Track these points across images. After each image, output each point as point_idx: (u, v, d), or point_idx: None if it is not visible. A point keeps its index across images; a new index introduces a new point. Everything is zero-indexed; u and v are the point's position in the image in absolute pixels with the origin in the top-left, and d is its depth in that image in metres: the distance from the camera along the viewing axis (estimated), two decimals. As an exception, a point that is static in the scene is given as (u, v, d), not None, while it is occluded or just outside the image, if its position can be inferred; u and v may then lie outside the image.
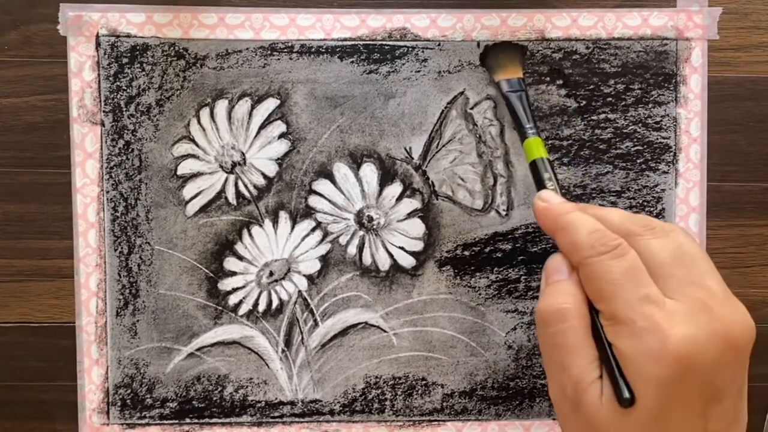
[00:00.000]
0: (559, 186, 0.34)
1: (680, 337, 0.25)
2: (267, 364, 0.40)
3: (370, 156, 0.40)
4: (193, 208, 0.39)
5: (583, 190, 0.40)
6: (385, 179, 0.40)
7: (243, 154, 0.39)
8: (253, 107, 0.39)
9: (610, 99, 0.40)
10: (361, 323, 0.40)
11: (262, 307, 0.40)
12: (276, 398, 0.40)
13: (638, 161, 0.40)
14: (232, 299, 0.40)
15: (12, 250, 0.40)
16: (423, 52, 0.39)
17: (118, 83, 0.39)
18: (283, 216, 0.40)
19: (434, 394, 0.40)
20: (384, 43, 0.39)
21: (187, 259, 0.39)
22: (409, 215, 0.40)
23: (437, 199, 0.40)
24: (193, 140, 0.39)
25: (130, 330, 0.39)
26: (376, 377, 0.40)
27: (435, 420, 0.40)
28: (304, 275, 0.40)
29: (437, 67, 0.39)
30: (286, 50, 0.39)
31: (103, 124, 0.39)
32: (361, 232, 0.40)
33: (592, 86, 0.40)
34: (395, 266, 0.40)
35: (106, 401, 0.40)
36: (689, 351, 0.25)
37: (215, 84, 0.39)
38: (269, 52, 0.39)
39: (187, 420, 0.40)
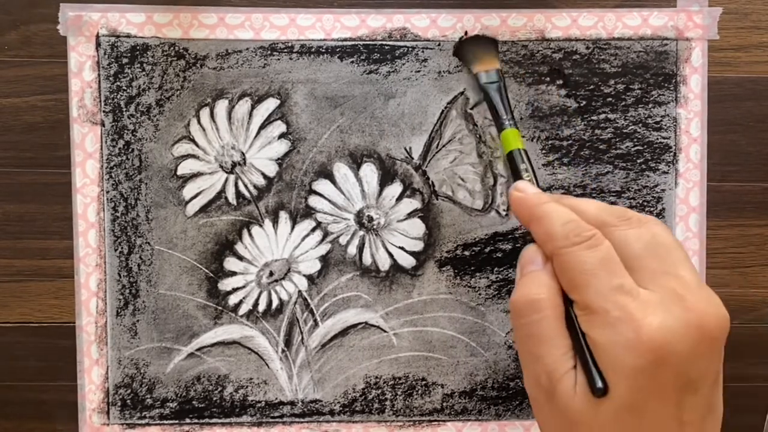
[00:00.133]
0: (536, 177, 0.34)
1: (654, 327, 0.25)
2: (267, 364, 0.40)
3: (370, 156, 0.40)
4: (193, 208, 0.39)
5: (583, 190, 0.40)
6: (385, 179, 0.40)
7: (243, 154, 0.39)
8: (253, 107, 0.39)
9: (610, 99, 0.40)
10: (361, 323, 0.40)
11: (262, 307, 0.40)
12: (276, 398, 0.40)
13: (638, 161, 0.40)
14: (232, 299, 0.40)
15: (12, 250, 0.40)
16: (423, 52, 0.39)
17: (118, 83, 0.39)
18: (283, 216, 0.40)
19: (434, 394, 0.40)
20: (384, 43, 0.39)
21: (187, 259, 0.39)
22: (409, 215, 0.40)
23: (437, 199, 0.40)
24: (193, 140, 0.39)
25: (130, 330, 0.39)
26: (376, 377, 0.40)
27: (435, 420, 0.40)
28: (304, 275, 0.40)
29: (437, 67, 0.39)
30: (286, 50, 0.39)
31: (103, 124, 0.39)
32: (361, 232, 0.40)
33: (592, 86, 0.40)
34: (395, 266, 0.40)
35: (106, 401, 0.40)
36: (663, 341, 0.25)
37: (215, 84, 0.39)
38: (269, 52, 0.39)
39: (187, 420, 0.40)
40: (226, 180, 0.40)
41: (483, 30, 0.39)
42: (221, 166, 0.40)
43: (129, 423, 0.40)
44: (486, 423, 0.40)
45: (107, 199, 0.39)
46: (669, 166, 0.40)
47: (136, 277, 0.39)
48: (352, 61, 0.39)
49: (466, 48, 0.38)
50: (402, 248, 0.40)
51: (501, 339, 0.40)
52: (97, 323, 0.39)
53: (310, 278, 0.40)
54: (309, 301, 0.40)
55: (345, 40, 0.39)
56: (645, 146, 0.40)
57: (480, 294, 0.40)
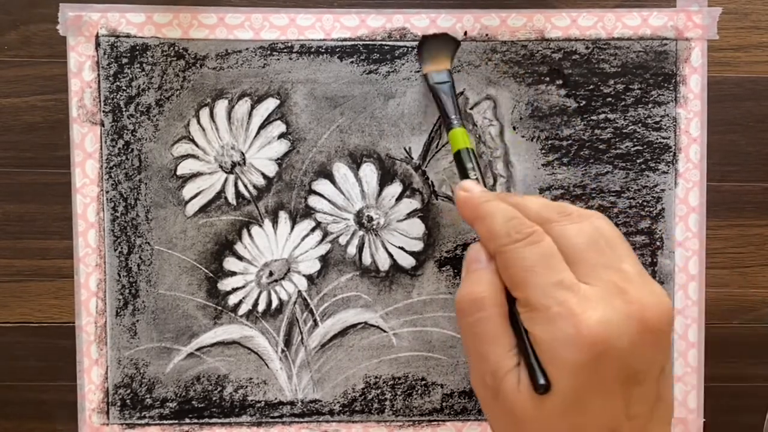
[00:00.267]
0: (482, 176, 0.34)
1: (594, 322, 0.25)
2: (267, 364, 0.40)
3: (369, 156, 0.40)
4: (192, 208, 0.39)
5: (583, 190, 0.40)
6: (384, 179, 0.40)
7: (243, 154, 0.39)
8: (252, 107, 0.39)
9: (609, 99, 0.40)
10: (361, 323, 0.40)
11: (261, 307, 0.40)
12: (276, 398, 0.40)
13: (638, 161, 0.40)
14: (232, 299, 0.40)
15: (12, 250, 0.40)
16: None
17: (117, 83, 0.39)
18: (283, 216, 0.40)
19: (434, 394, 0.40)
20: (384, 43, 0.39)
21: (187, 259, 0.40)
22: (409, 215, 0.40)
23: (437, 199, 0.40)
24: (192, 140, 0.39)
25: (130, 330, 0.40)
26: (376, 377, 0.40)
27: (435, 420, 0.40)
28: (304, 275, 0.40)
29: (437, 67, 0.39)
30: (285, 50, 0.39)
31: (102, 124, 0.39)
32: (361, 232, 0.40)
33: (591, 86, 0.40)
34: (395, 266, 0.40)
35: (105, 401, 0.40)
36: (603, 335, 0.25)
37: (215, 84, 0.39)
38: (269, 52, 0.39)
39: (187, 420, 0.40)
40: (226, 180, 0.40)
41: (482, 30, 0.39)
42: (221, 166, 0.40)
43: (128, 423, 0.40)
44: (486, 423, 0.40)
45: (107, 199, 0.39)
46: (669, 166, 0.40)
47: (136, 277, 0.39)
48: (352, 61, 0.39)
49: (424, 47, 0.39)
50: (402, 248, 0.40)
51: (501, 339, 0.40)
52: (96, 323, 0.39)
53: (310, 278, 0.40)
54: (309, 301, 0.40)
55: (345, 40, 0.39)
56: (645, 146, 0.40)
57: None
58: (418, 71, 0.39)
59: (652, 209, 0.40)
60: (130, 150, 0.39)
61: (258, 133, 0.39)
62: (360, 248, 0.40)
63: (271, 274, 0.40)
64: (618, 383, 0.25)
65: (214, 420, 0.40)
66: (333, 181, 0.40)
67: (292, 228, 0.40)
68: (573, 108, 0.40)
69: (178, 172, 0.39)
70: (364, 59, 0.39)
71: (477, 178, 0.33)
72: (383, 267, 0.40)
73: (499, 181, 0.40)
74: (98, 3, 0.39)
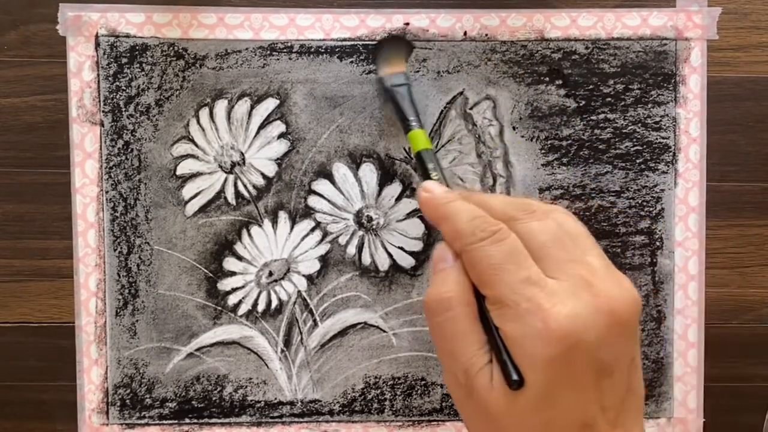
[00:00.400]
0: (444, 177, 0.34)
1: (562, 316, 0.25)
2: (266, 364, 0.40)
3: (369, 156, 0.40)
4: (192, 208, 0.39)
5: (583, 190, 0.40)
6: (384, 179, 0.40)
7: (242, 154, 0.39)
8: (252, 107, 0.39)
9: (609, 99, 0.40)
10: (361, 323, 0.40)
11: (261, 308, 0.40)
12: (275, 398, 0.40)
13: (638, 161, 0.40)
14: (232, 299, 0.40)
15: (12, 250, 0.40)
16: (422, 52, 0.39)
17: (117, 83, 0.39)
18: (283, 216, 0.40)
19: (433, 394, 0.40)
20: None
21: (187, 259, 0.40)
22: (409, 215, 0.40)
23: (436, 199, 0.40)
24: (192, 140, 0.39)
25: (130, 330, 0.40)
26: (376, 377, 0.40)
27: (434, 420, 0.40)
28: (304, 275, 0.40)
29: (436, 67, 0.39)
30: (285, 50, 0.39)
31: (102, 124, 0.39)
32: (361, 232, 0.40)
33: (591, 86, 0.40)
34: (395, 266, 0.40)
35: (105, 401, 0.40)
36: (572, 329, 0.25)
37: (215, 84, 0.39)
38: (268, 52, 0.39)
39: (187, 420, 0.40)
40: (226, 180, 0.40)
41: (482, 30, 0.39)
42: (220, 166, 0.40)
43: (128, 423, 0.40)
44: (485, 423, 0.40)
45: (106, 199, 0.39)
46: (668, 166, 0.40)
47: (136, 277, 0.39)
48: (352, 61, 0.39)
49: (380, 51, 0.39)
50: (401, 248, 0.40)
51: (500, 339, 0.40)
52: (96, 323, 0.39)
53: (310, 278, 0.40)
54: (308, 301, 0.40)
55: (344, 40, 0.39)
56: (644, 146, 0.40)
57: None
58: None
59: (651, 209, 0.40)
60: (129, 150, 0.39)
61: (258, 133, 0.39)
62: (360, 248, 0.40)
63: (270, 274, 0.40)
64: (589, 376, 0.25)
65: (213, 420, 0.40)
66: (332, 181, 0.40)
67: (292, 228, 0.40)
68: (572, 108, 0.40)
69: (178, 172, 0.39)
70: (363, 59, 0.39)
71: (439, 179, 0.34)
72: (383, 267, 0.40)
73: (499, 181, 0.40)
74: (98, 3, 0.39)
